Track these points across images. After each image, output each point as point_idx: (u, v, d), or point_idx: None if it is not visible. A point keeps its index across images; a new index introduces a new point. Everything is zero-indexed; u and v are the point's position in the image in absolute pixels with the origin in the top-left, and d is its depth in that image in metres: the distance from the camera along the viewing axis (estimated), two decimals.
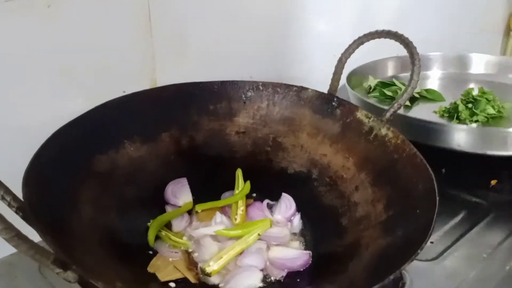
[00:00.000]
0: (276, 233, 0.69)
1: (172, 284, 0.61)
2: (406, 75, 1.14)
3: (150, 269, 0.62)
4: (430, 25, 1.28)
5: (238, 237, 0.66)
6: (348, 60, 0.78)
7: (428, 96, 1.07)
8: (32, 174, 0.57)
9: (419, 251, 0.51)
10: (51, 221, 0.54)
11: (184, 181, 0.75)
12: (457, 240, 0.78)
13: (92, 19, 0.75)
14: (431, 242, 0.76)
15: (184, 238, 0.67)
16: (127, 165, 0.73)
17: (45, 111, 0.73)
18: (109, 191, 0.69)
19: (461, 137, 0.84)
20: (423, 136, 0.84)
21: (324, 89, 0.80)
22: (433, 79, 1.19)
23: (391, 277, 0.48)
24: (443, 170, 0.91)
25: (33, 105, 0.73)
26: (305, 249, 0.68)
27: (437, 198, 0.58)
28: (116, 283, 0.45)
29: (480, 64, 1.21)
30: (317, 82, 0.82)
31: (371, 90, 1.08)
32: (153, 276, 0.61)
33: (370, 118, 0.75)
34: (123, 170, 0.72)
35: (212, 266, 0.61)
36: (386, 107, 0.78)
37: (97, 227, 0.63)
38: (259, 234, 0.66)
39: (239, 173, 0.77)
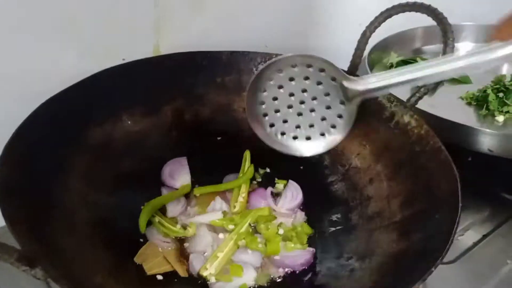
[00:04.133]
0: None
1: (160, 277, 0.56)
2: (431, 47, 1.06)
3: (137, 259, 0.57)
4: None
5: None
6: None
7: (456, 78, 0.97)
8: (12, 150, 0.52)
9: (433, 269, 0.44)
10: (29, 202, 0.50)
11: (183, 161, 0.69)
12: (479, 241, 0.71)
13: None
14: None
15: (178, 226, 0.62)
16: (124, 139, 0.68)
17: (36, 71, 0.67)
18: (103, 165, 0.64)
19: (494, 143, 0.74)
20: (449, 134, 0.74)
21: (346, 61, 0.72)
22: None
23: None
24: (470, 158, 0.83)
25: (26, 63, 0.66)
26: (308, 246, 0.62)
27: (460, 205, 0.51)
28: None
29: None
30: (339, 54, 0.74)
31: (392, 69, 0.99)
32: (139, 268, 0.56)
33: (392, 102, 0.67)
34: (119, 144, 0.67)
35: (209, 270, 0.56)
36: None
37: (86, 204, 0.58)
38: (250, 224, 0.61)
39: (247, 155, 0.71)
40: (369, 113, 0.68)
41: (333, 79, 0.59)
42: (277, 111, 0.60)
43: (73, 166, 0.60)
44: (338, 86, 0.59)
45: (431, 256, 0.47)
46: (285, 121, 0.61)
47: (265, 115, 0.60)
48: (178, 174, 0.68)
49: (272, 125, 0.61)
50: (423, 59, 0.99)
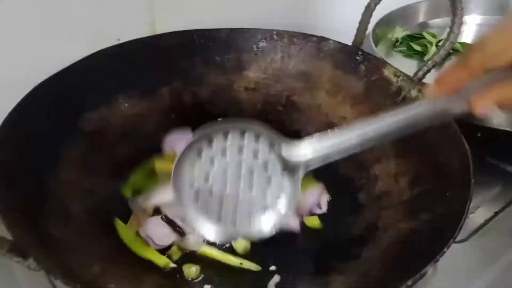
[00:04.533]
0: None
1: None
2: (437, 21, 1.03)
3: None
4: None
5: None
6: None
7: (462, 51, 0.94)
8: (4, 137, 0.50)
9: (445, 249, 0.42)
10: (22, 191, 0.49)
11: (188, 134, 0.65)
12: (491, 218, 0.68)
13: None
14: None
15: None
16: (121, 123, 0.66)
17: (27, 56, 0.65)
18: (99, 151, 0.62)
19: (504, 117, 0.71)
20: None
21: (350, 37, 0.70)
22: (470, 26, 1.03)
23: (409, 282, 0.40)
24: (479, 134, 0.80)
25: (14, 47, 0.65)
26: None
27: (472, 181, 0.49)
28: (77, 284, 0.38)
29: None
30: (343, 30, 0.71)
31: (397, 44, 0.96)
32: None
33: (399, 77, 0.64)
34: (116, 129, 0.65)
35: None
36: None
37: (83, 192, 0.57)
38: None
39: None
40: (375, 89, 0.66)
41: (271, 145, 0.50)
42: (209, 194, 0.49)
43: (68, 154, 0.58)
44: (276, 156, 0.49)
45: (443, 235, 0.45)
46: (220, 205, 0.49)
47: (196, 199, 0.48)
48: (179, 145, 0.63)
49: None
50: (429, 33, 0.97)
